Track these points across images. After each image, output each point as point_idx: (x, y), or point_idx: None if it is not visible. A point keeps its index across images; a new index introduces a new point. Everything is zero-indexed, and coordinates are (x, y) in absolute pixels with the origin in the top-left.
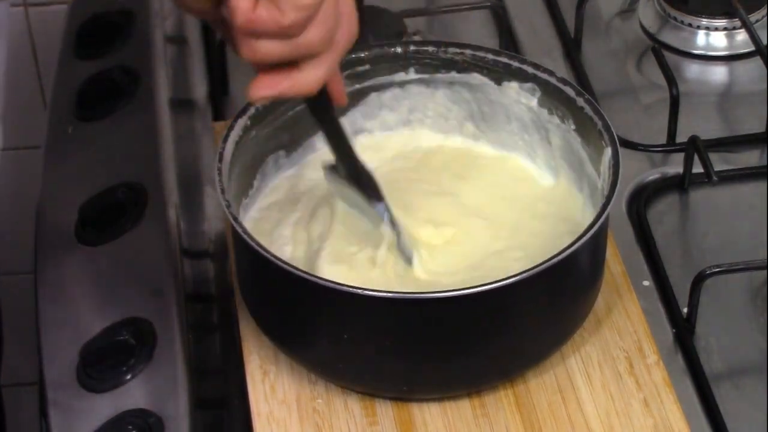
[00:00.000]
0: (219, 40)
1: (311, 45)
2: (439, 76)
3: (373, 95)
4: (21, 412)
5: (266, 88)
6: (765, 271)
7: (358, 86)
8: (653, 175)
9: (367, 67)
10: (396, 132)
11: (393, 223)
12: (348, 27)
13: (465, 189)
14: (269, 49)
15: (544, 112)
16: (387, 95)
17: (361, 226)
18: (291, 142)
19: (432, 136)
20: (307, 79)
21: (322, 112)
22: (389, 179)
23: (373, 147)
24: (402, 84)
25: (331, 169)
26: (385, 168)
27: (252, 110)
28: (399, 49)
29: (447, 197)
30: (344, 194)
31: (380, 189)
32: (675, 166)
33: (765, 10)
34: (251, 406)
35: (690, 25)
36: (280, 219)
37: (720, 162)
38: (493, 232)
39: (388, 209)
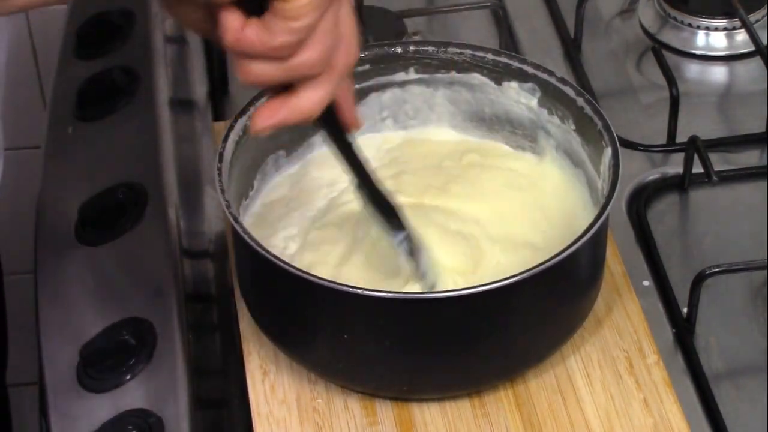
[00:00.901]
0: None
1: (306, 67)
2: (439, 76)
3: (373, 95)
4: (21, 412)
5: (266, 118)
6: (765, 271)
7: (358, 86)
8: (653, 175)
9: (367, 67)
10: (396, 132)
11: (412, 254)
12: (347, 48)
13: (464, 189)
14: (262, 70)
15: (544, 112)
16: (387, 95)
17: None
18: (291, 142)
19: (432, 136)
20: (305, 104)
21: (334, 138)
22: (388, 183)
23: (372, 147)
24: (402, 84)
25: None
26: (383, 169)
27: (252, 110)
28: (399, 49)
29: (445, 200)
30: (372, 216)
31: (401, 217)
32: (675, 166)
33: (765, 10)
34: (251, 406)
35: (690, 25)
36: (286, 213)
37: (720, 162)
38: (494, 232)
39: (409, 239)
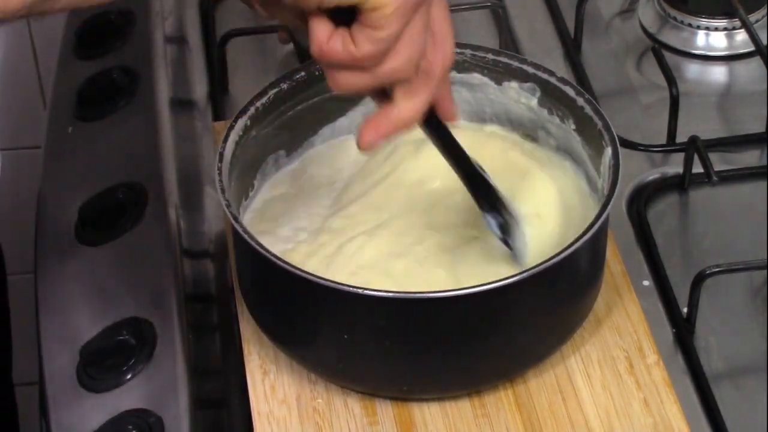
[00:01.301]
0: (219, 40)
1: (392, 74)
2: None
3: None
4: (22, 412)
5: (371, 134)
6: (765, 271)
7: None
8: (653, 175)
9: None
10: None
11: (504, 231)
12: (442, 48)
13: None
14: (350, 79)
15: (544, 112)
16: None
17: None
18: (291, 142)
19: None
20: (406, 113)
21: (433, 130)
22: (388, 181)
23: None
24: None
25: None
26: (383, 154)
27: (252, 110)
28: None
29: (447, 199)
30: (472, 197)
31: (496, 198)
32: (675, 166)
33: (765, 10)
34: (251, 406)
35: (690, 25)
36: (286, 210)
37: (720, 162)
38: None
39: (503, 216)
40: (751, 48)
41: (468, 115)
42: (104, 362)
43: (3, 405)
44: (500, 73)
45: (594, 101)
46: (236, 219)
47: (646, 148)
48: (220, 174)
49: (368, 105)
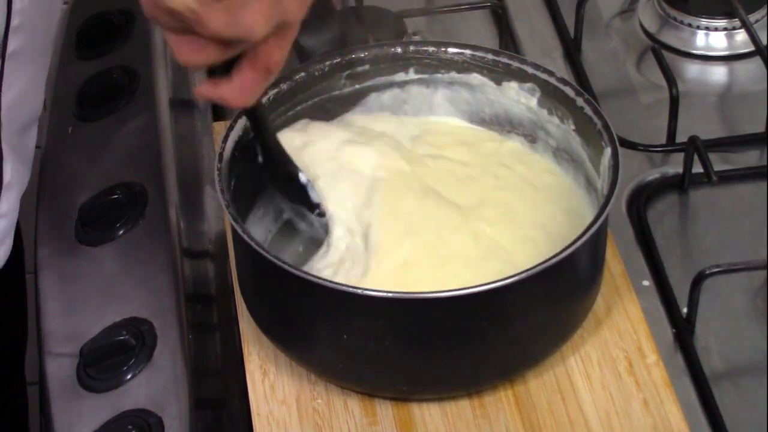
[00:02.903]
0: None
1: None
2: (439, 76)
3: (373, 95)
4: None
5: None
6: (765, 271)
7: (358, 86)
8: (653, 175)
9: (367, 67)
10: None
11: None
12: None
13: (464, 188)
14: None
15: (544, 112)
16: (387, 95)
17: None
18: None
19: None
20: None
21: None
22: (387, 180)
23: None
24: (402, 84)
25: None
26: (382, 168)
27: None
28: (399, 49)
29: (446, 198)
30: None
31: (311, 197)
32: (675, 166)
33: (765, 10)
34: (251, 406)
35: (690, 25)
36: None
37: (720, 162)
38: (495, 232)
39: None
40: (751, 48)
41: (468, 115)
42: (104, 362)
43: (15, 400)
44: (500, 74)
45: (594, 101)
46: (236, 219)
47: (646, 148)
48: (220, 174)
49: (369, 106)
